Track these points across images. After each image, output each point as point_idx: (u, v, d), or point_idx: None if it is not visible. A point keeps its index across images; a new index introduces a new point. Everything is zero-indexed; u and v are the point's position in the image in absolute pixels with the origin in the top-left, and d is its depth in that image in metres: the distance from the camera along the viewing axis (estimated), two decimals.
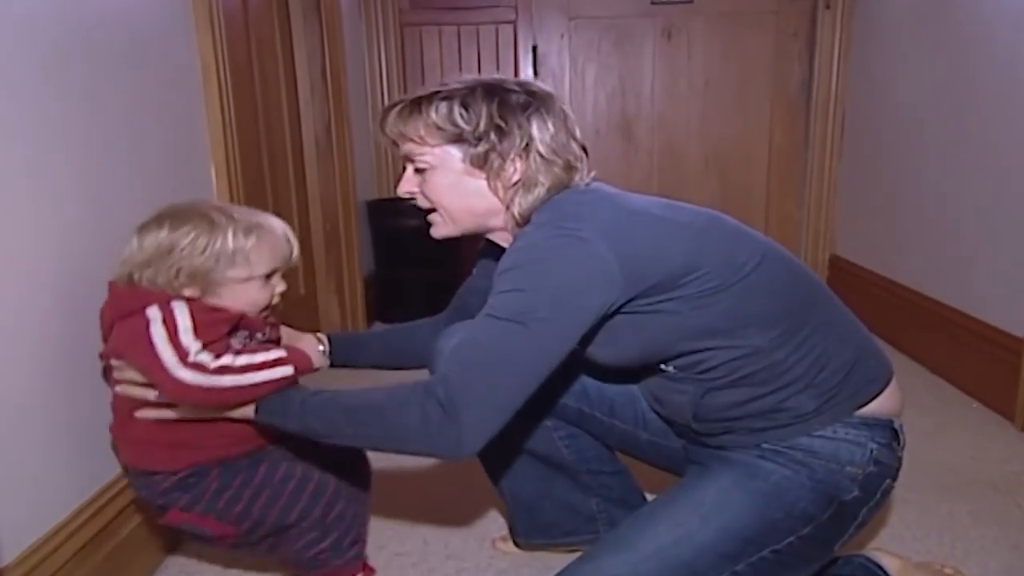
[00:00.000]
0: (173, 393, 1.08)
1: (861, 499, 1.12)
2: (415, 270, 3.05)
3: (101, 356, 1.20)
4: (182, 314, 1.11)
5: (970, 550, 1.47)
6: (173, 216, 1.16)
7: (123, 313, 1.14)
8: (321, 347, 1.38)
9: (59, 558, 1.19)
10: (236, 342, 1.18)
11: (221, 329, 1.15)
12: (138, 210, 1.21)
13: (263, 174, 2.30)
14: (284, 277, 1.27)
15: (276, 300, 1.26)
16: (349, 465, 1.37)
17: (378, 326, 3.09)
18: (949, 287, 2.36)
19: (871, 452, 1.11)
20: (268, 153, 2.36)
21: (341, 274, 2.84)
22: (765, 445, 1.14)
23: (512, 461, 1.42)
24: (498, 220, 1.19)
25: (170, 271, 1.13)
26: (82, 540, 1.24)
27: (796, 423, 1.12)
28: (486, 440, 1.01)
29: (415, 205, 1.22)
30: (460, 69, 3.29)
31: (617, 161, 3.38)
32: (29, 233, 1.15)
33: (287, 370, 1.13)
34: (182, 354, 1.07)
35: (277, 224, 1.24)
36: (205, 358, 1.08)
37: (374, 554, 1.48)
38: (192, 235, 1.14)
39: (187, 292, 1.15)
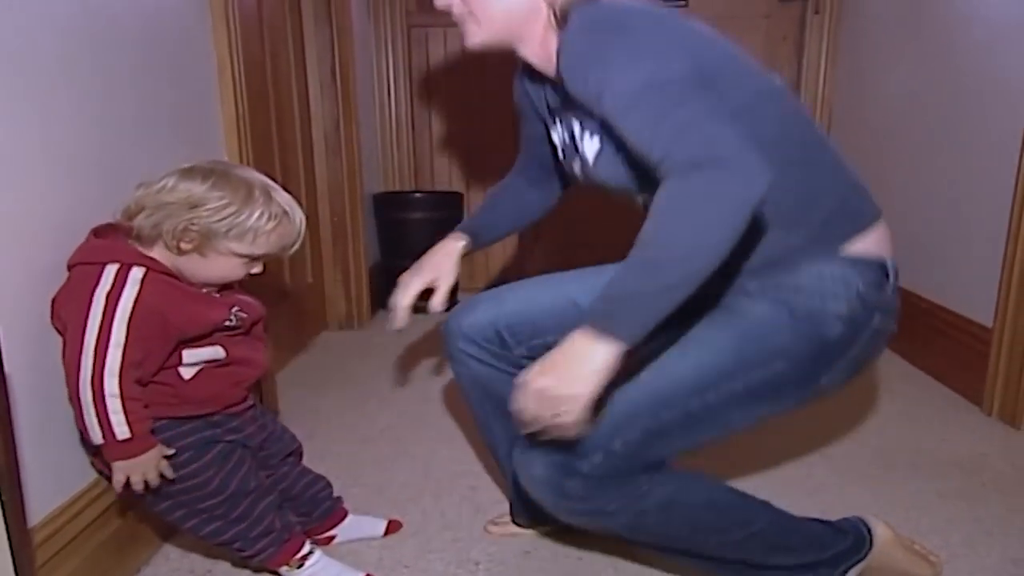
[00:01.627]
0: (69, 363, 1.09)
1: (847, 337, 1.10)
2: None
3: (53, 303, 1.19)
4: (127, 296, 1.11)
5: (935, 524, 1.54)
6: (220, 176, 1.17)
7: (82, 260, 1.15)
8: (462, 242, 1.44)
9: (81, 521, 1.24)
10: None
11: (205, 327, 1.20)
12: None
13: (274, 167, 2.39)
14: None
15: (245, 278, 1.27)
16: (277, 455, 1.41)
17: (383, 313, 3.16)
18: (924, 279, 2.43)
19: (856, 290, 1.09)
20: (279, 147, 2.44)
21: (347, 263, 2.91)
22: (748, 285, 1.14)
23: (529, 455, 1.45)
24: (535, 26, 1.16)
25: (181, 223, 1.14)
26: (102, 507, 1.30)
27: (782, 258, 1.11)
28: (763, 160, 0.92)
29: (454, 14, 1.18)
30: (467, 68, 3.38)
31: None
32: (48, 224, 1.18)
33: (119, 436, 1.11)
34: (100, 354, 1.09)
35: (299, 219, 1.24)
36: (112, 384, 1.09)
37: None
38: (224, 201, 1.15)
39: (183, 246, 1.16)
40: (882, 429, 2.03)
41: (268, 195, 1.20)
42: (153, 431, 1.17)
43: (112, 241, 1.17)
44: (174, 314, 1.16)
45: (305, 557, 1.33)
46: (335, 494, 1.52)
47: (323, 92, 2.74)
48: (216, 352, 1.23)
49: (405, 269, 1.45)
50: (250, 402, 1.34)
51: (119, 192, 1.24)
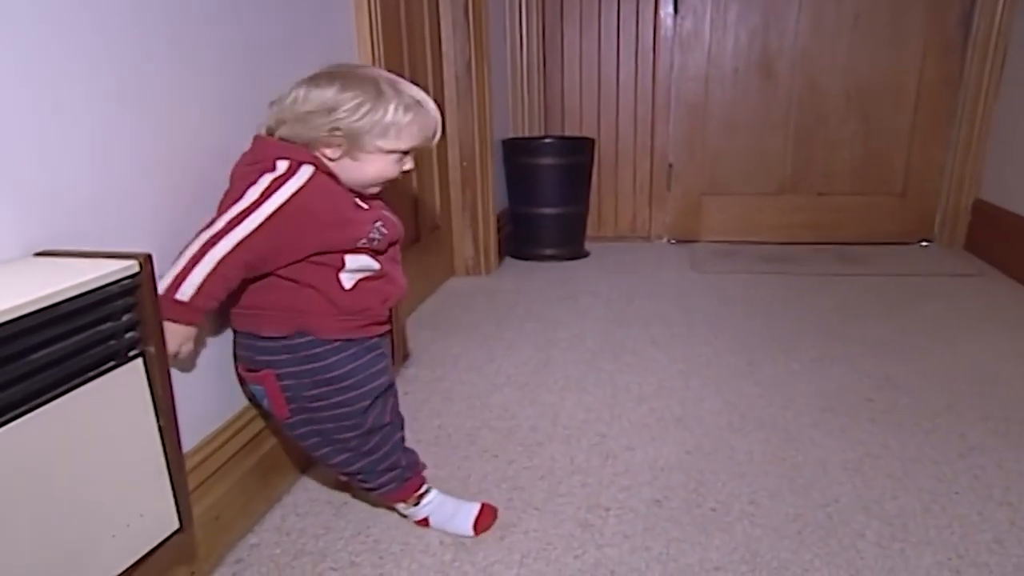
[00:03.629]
0: (204, 224, 1.12)
1: None
2: (546, 207, 3.10)
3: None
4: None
5: None
6: (345, 77, 1.19)
7: (253, 160, 1.18)
8: None
9: (229, 448, 1.30)
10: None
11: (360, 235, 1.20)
12: None
13: None
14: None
15: (400, 176, 1.27)
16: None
17: (510, 260, 3.18)
18: None
19: None
20: None
21: (475, 209, 2.90)
22: None
23: None
24: None
25: (323, 128, 1.16)
26: (248, 436, 1.36)
27: None
28: None
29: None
30: (600, 9, 3.27)
31: (755, 98, 3.28)
32: (199, 154, 1.22)
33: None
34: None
35: (433, 107, 1.25)
36: (223, 247, 1.09)
37: (504, 468, 1.55)
38: (358, 100, 1.16)
39: (329, 152, 1.18)
40: None
41: (396, 88, 1.20)
42: (320, 351, 1.20)
43: (280, 143, 1.20)
44: (326, 215, 1.17)
45: (422, 495, 1.36)
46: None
47: (455, 32, 2.70)
48: (372, 263, 1.24)
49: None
50: (389, 326, 1.35)
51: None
